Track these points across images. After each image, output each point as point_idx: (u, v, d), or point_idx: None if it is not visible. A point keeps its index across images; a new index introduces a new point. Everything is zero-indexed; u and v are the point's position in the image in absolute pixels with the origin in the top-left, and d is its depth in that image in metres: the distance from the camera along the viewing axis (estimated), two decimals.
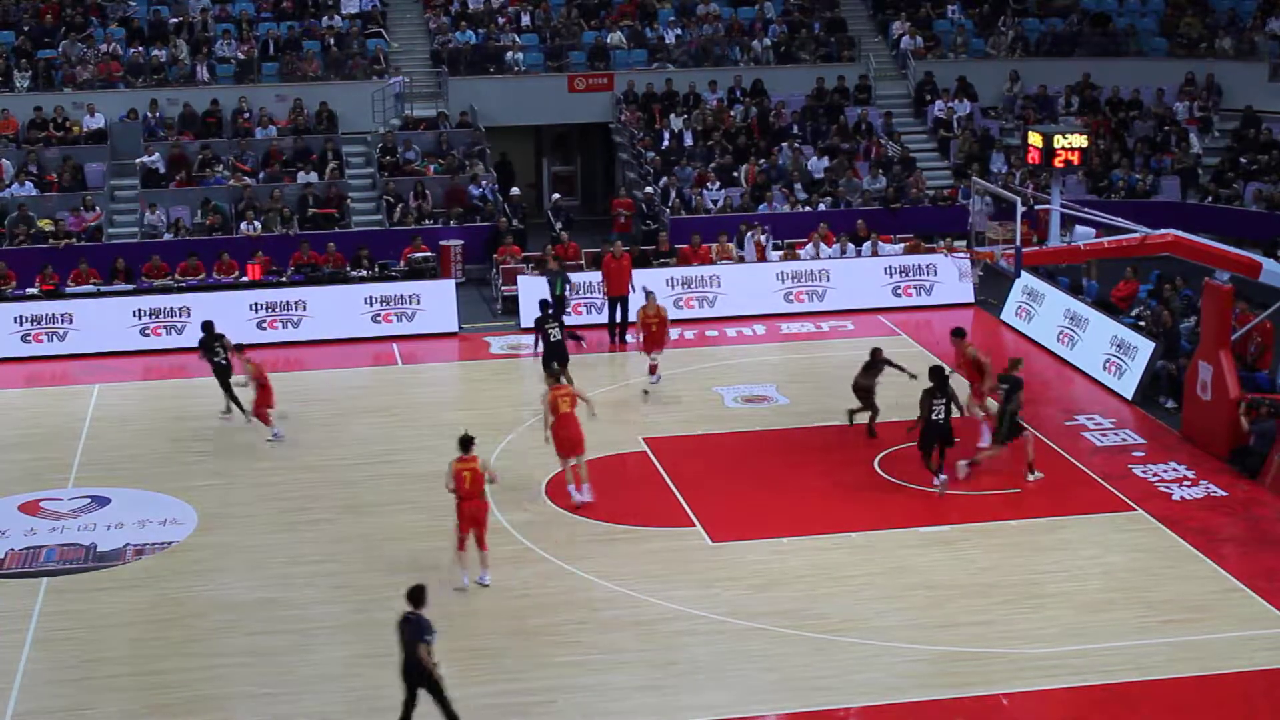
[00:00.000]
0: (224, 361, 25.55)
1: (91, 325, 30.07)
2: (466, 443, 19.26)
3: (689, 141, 38.68)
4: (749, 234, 33.63)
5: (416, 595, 15.67)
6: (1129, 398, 26.27)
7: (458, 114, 38.73)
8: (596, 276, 30.61)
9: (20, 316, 30.03)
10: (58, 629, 18.63)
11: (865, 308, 31.87)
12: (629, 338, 29.45)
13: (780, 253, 33.41)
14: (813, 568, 19.84)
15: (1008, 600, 18.88)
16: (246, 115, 37.88)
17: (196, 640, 18.24)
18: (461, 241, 34.04)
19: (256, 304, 30.79)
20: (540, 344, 26.12)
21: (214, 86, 38.67)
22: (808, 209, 36.04)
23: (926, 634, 18.00)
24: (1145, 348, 26.52)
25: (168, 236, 34.37)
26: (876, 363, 24.30)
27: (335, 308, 30.97)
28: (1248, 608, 18.66)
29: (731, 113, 39.38)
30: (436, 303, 31.10)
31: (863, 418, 24.44)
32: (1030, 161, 29.37)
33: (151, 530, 21.47)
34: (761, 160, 37.74)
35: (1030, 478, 22.44)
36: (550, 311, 26.72)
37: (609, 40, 40.64)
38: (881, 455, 23.56)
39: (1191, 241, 24.00)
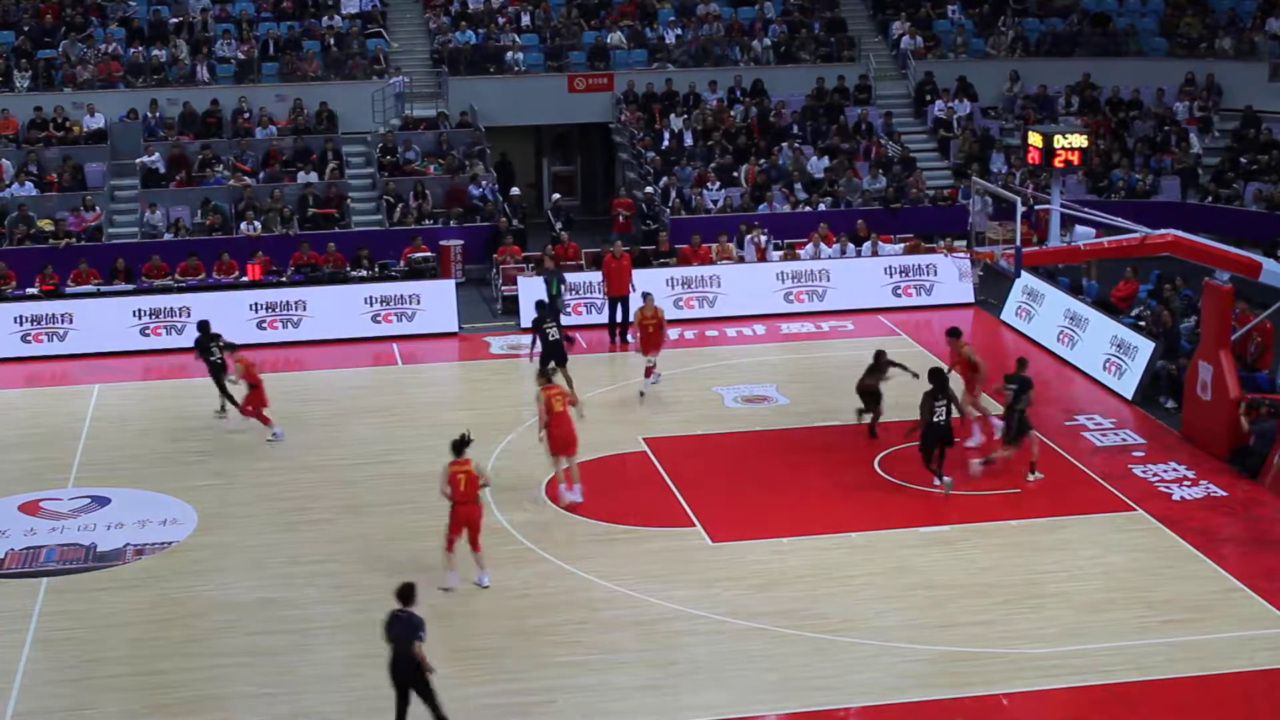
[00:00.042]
0: (219, 361, 25.56)
1: (91, 325, 30.07)
2: (460, 445, 19.24)
3: (689, 141, 38.68)
4: (749, 236, 33.63)
5: (406, 593, 15.68)
6: (1129, 398, 26.27)
7: (458, 114, 38.73)
8: (597, 276, 30.61)
9: (20, 316, 30.03)
10: (58, 629, 18.63)
11: (865, 308, 31.87)
12: (629, 337, 29.45)
13: (780, 253, 33.42)
14: (813, 568, 19.84)
15: (1008, 600, 18.88)
16: (246, 115, 37.88)
17: (196, 640, 18.24)
18: (461, 241, 34.04)
19: (256, 304, 30.79)
20: (538, 344, 26.13)
21: (214, 86, 38.67)
22: (808, 209, 36.05)
23: (926, 634, 18.00)
24: (1145, 348, 26.52)
25: (168, 236, 34.38)
26: (881, 364, 24.28)
27: (335, 308, 30.96)
28: (1248, 608, 18.66)
29: (731, 113, 39.38)
30: (436, 303, 31.10)
31: (868, 416, 24.43)
32: (1030, 161, 29.35)
33: (151, 530, 21.47)
34: (761, 160, 37.74)
35: (1030, 478, 22.45)
36: (546, 311, 26.71)
37: (609, 40, 40.64)
38: (881, 455, 23.55)
39: (1191, 241, 24.00)
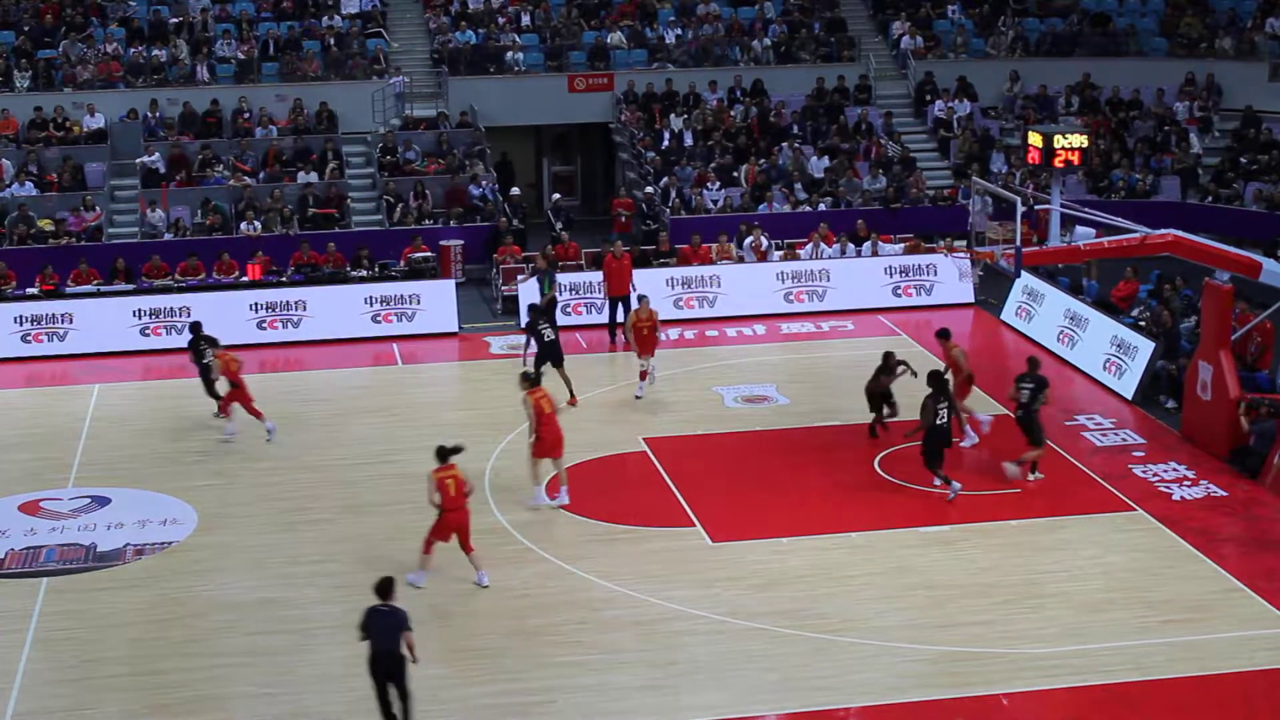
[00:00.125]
0: (210, 362, 25.52)
1: (91, 325, 30.06)
2: (445, 452, 19.22)
3: (689, 141, 38.68)
4: (748, 238, 33.62)
5: (385, 588, 15.80)
6: (1129, 398, 26.27)
7: (458, 114, 38.73)
8: (597, 276, 30.62)
9: (20, 316, 30.02)
10: (58, 629, 18.62)
11: (865, 308, 31.86)
12: (625, 336, 29.41)
13: (780, 253, 33.42)
14: (813, 568, 19.83)
15: (1008, 600, 18.87)
16: (246, 115, 37.88)
17: (196, 640, 18.24)
18: (461, 241, 34.04)
19: (256, 304, 30.78)
20: (532, 345, 26.10)
21: (214, 86, 38.68)
22: (808, 209, 36.04)
23: (926, 634, 18.00)
24: (1145, 348, 26.52)
25: (168, 236, 34.38)
26: (890, 366, 24.21)
27: (335, 308, 30.96)
28: (1248, 608, 18.66)
29: (731, 113, 39.38)
30: (436, 303, 31.10)
31: (889, 414, 24.33)
32: (1030, 161, 29.34)
33: (151, 530, 21.46)
34: (761, 160, 37.74)
35: (1030, 478, 22.44)
36: (540, 313, 26.68)
37: (609, 40, 40.64)
38: (881, 455, 23.56)
39: (1191, 241, 23.99)
